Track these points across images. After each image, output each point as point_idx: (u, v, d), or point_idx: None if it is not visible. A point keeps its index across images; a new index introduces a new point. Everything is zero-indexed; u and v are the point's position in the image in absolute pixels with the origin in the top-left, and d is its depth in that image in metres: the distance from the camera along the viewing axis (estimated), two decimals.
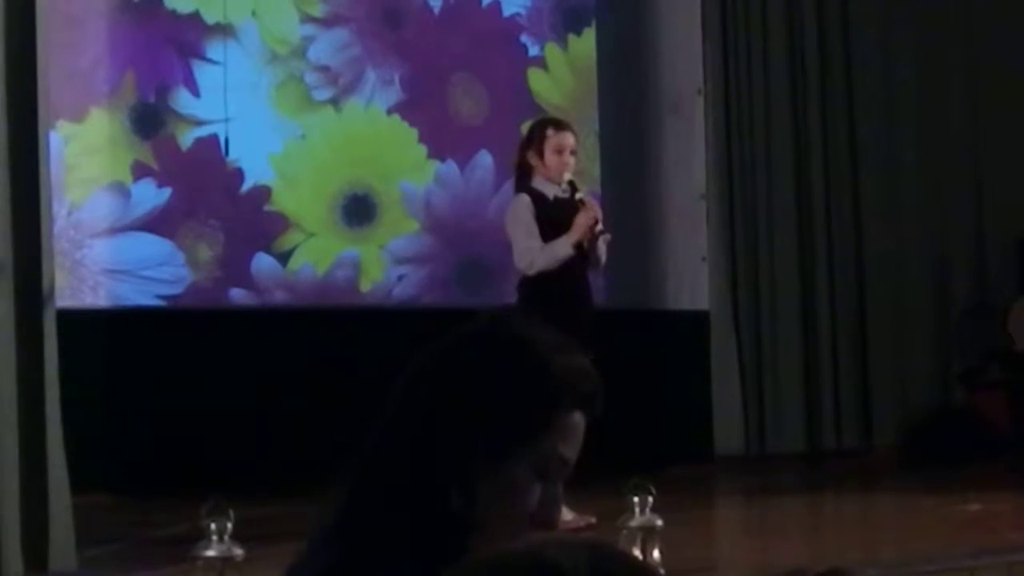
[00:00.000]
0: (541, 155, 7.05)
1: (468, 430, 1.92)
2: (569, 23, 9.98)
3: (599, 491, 6.01)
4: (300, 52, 9.36)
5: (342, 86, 9.43)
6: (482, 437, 1.91)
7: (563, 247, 6.94)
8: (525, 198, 7.08)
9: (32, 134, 6.25)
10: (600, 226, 6.97)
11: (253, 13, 9.24)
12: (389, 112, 9.51)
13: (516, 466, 1.92)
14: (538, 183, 7.09)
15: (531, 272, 6.99)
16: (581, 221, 6.93)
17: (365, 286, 9.46)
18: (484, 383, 1.95)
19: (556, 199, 7.06)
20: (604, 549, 1.24)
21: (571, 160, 7.06)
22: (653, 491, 5.44)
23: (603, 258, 7.10)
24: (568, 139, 7.08)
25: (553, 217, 6.98)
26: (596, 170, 9.85)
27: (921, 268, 10.28)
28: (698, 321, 9.88)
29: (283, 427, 8.82)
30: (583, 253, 6.99)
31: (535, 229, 6.99)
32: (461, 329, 2.08)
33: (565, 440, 1.97)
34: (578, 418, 1.98)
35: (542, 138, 7.07)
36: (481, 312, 2.13)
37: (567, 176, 7.03)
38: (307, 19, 9.39)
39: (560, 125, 7.26)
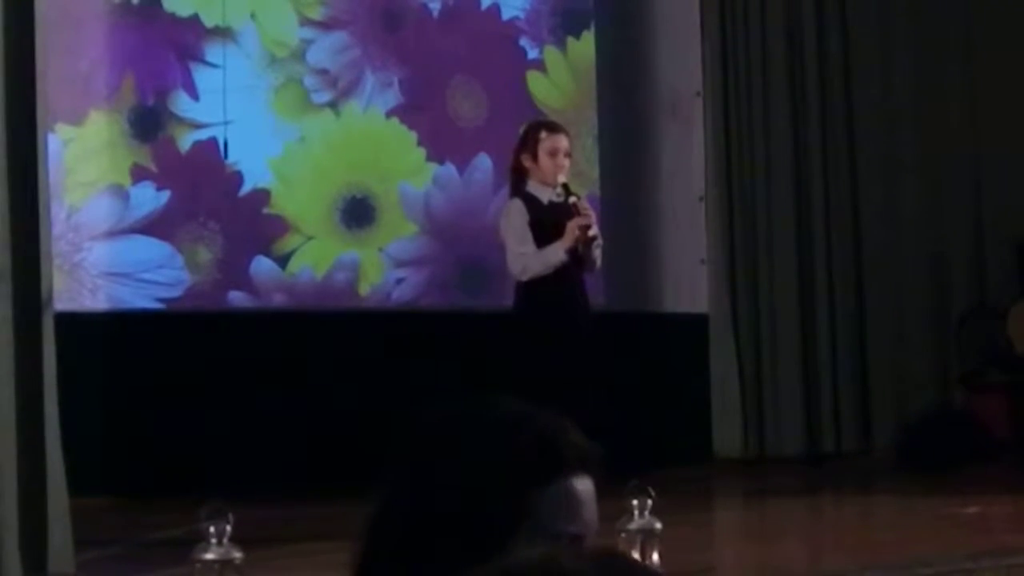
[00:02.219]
0: (535, 157, 7.04)
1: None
2: (568, 26, 9.98)
3: (597, 493, 6.00)
4: (299, 55, 9.36)
5: (341, 89, 9.43)
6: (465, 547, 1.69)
7: (556, 253, 6.93)
8: (518, 203, 7.07)
9: (31, 137, 6.25)
10: (593, 230, 6.96)
11: (252, 16, 9.24)
12: (388, 115, 9.51)
13: None
14: (532, 187, 7.08)
15: (524, 278, 6.99)
16: (572, 227, 6.92)
17: (364, 289, 9.46)
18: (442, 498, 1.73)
19: (550, 203, 7.05)
20: (613, 557, 1.22)
21: (565, 162, 7.06)
22: (652, 493, 5.44)
23: (597, 262, 7.09)
24: (562, 141, 7.08)
25: (547, 222, 6.97)
26: (595, 172, 9.84)
27: (920, 270, 10.28)
28: (697, 323, 9.88)
29: (282, 430, 8.82)
30: (577, 257, 6.99)
31: (528, 235, 6.99)
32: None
33: (560, 515, 1.73)
34: (568, 486, 1.74)
35: (536, 140, 7.07)
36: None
37: (561, 179, 7.03)
38: (306, 22, 9.39)
39: (554, 127, 7.25)
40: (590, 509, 1.75)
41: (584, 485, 1.75)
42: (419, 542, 1.71)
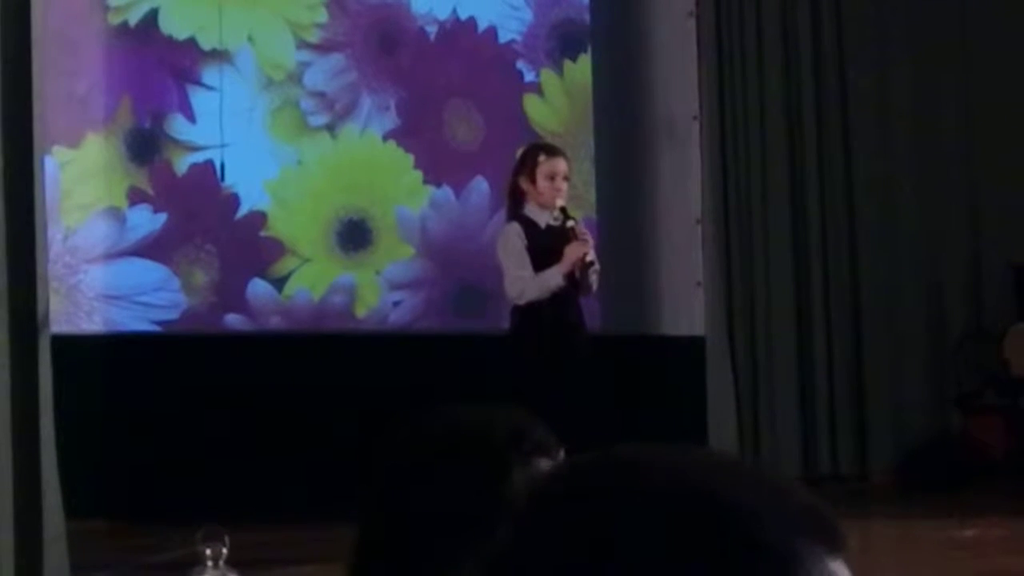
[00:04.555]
0: (533, 181, 7.04)
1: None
2: (565, 49, 9.99)
3: None
4: (296, 78, 9.37)
5: (338, 112, 9.44)
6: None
7: (554, 278, 6.93)
8: (516, 227, 7.07)
9: (27, 159, 6.25)
10: (591, 256, 6.96)
11: (249, 39, 9.26)
12: (385, 138, 9.52)
13: None
14: (530, 210, 7.08)
15: (521, 301, 6.99)
16: (571, 252, 6.92)
17: (361, 311, 9.46)
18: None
19: (548, 227, 7.05)
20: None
21: (563, 186, 7.06)
22: None
23: (593, 286, 7.10)
24: (560, 165, 7.08)
25: (544, 245, 6.97)
26: (591, 195, 9.85)
27: (917, 293, 10.28)
28: (693, 347, 9.87)
29: (278, 453, 8.81)
30: (574, 281, 6.99)
31: (526, 259, 6.98)
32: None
33: None
34: (536, 470, 1.78)
35: (534, 164, 7.07)
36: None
37: (559, 202, 7.03)
38: (303, 45, 9.40)
39: (552, 151, 7.26)
40: None
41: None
42: (410, 544, 1.74)
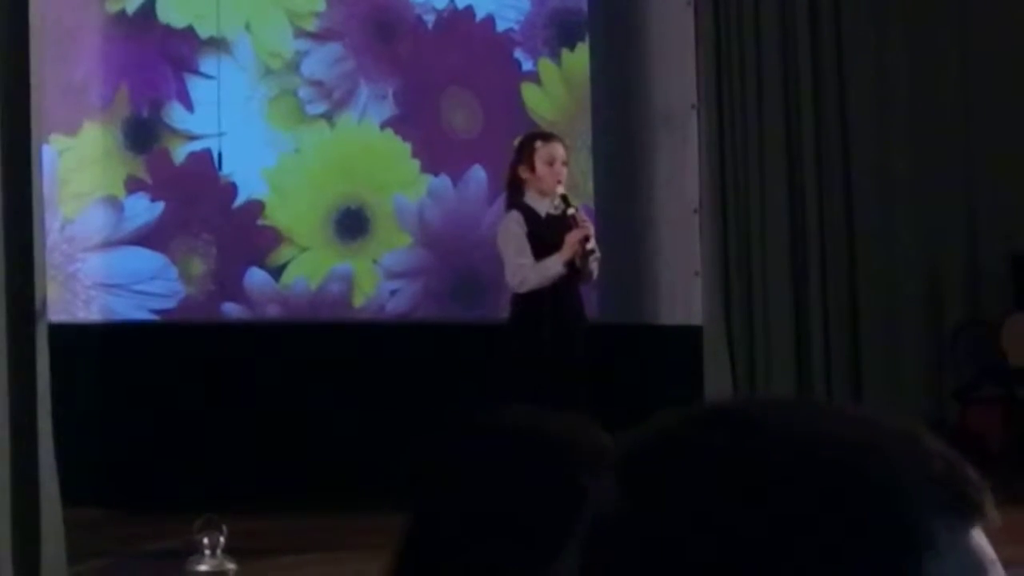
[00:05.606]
0: (532, 168, 7.05)
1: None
2: (562, 38, 9.99)
3: None
4: (294, 66, 9.36)
5: (335, 100, 9.44)
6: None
7: (554, 266, 6.94)
8: (516, 215, 7.08)
9: (25, 148, 6.24)
10: (591, 243, 6.96)
11: (247, 27, 9.25)
12: (382, 126, 9.52)
13: None
14: (530, 198, 7.09)
15: (522, 290, 7.00)
16: (572, 240, 6.92)
17: (358, 300, 9.46)
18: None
19: (548, 216, 7.06)
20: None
21: (563, 171, 7.07)
22: None
23: (594, 274, 7.10)
24: (558, 149, 7.09)
25: (545, 234, 6.98)
26: (589, 184, 9.85)
27: (914, 284, 10.28)
28: (691, 336, 9.87)
29: (275, 441, 8.81)
30: (574, 269, 6.99)
31: (526, 246, 6.99)
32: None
33: None
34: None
35: (532, 151, 7.07)
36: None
37: (560, 189, 7.03)
38: (301, 33, 9.40)
39: (548, 136, 7.27)
40: None
41: None
42: (469, 544, 1.67)
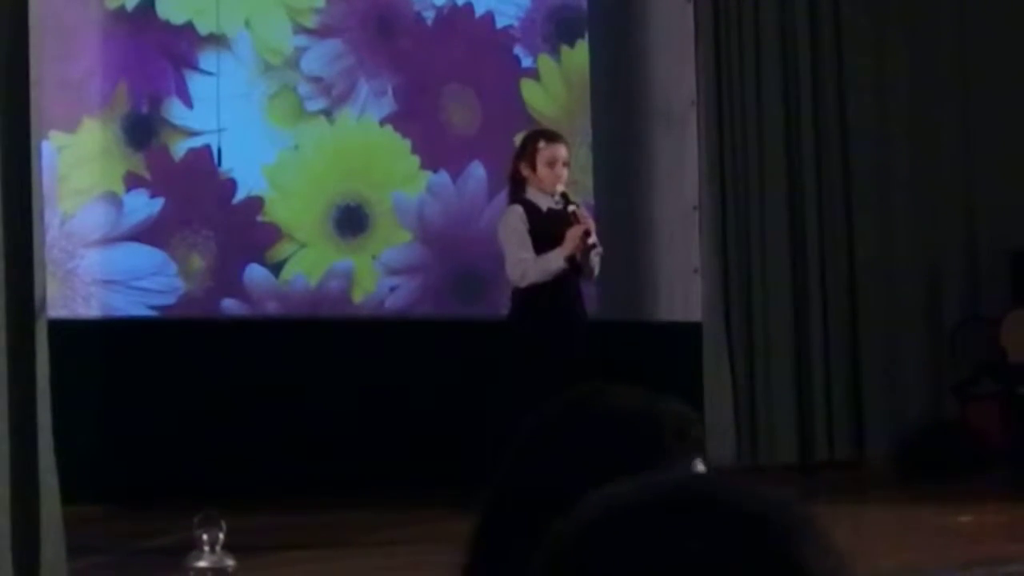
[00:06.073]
0: (533, 167, 7.05)
1: None
2: (562, 34, 9.99)
3: None
4: (293, 63, 9.36)
5: (335, 97, 9.43)
6: None
7: (555, 260, 6.94)
8: (518, 209, 7.09)
9: (24, 144, 6.24)
10: (592, 238, 6.97)
11: (246, 24, 9.25)
12: (382, 123, 9.52)
13: None
14: (531, 194, 7.10)
15: (523, 284, 7.00)
16: (573, 235, 6.93)
17: (358, 297, 9.46)
18: None
19: (549, 211, 7.06)
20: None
21: (563, 172, 7.07)
22: None
23: (596, 269, 7.10)
24: (560, 151, 7.09)
25: (546, 229, 6.98)
26: (589, 181, 9.85)
27: (913, 280, 10.28)
28: (690, 332, 9.87)
29: (275, 437, 8.81)
30: (575, 265, 6.99)
31: (527, 241, 7.00)
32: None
33: None
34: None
35: (534, 150, 7.08)
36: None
37: (560, 188, 7.04)
38: (300, 30, 9.39)
39: (552, 137, 7.26)
40: None
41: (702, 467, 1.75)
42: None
